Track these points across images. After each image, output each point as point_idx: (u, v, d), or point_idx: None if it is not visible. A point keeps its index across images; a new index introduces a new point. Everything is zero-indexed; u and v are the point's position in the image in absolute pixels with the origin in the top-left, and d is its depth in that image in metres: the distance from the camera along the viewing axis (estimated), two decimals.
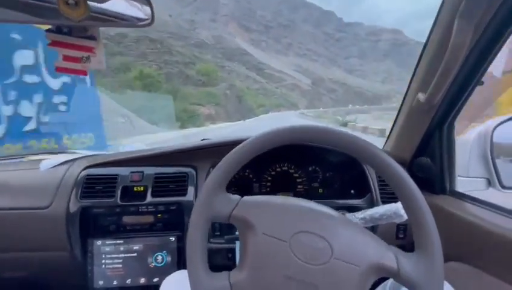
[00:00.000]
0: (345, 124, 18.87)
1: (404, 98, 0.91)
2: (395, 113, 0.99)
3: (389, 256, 0.41)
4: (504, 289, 0.57)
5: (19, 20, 0.59)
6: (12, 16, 0.53)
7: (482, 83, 0.70)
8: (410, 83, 0.86)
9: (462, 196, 0.79)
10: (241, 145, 0.46)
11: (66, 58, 0.57)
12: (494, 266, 0.61)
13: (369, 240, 0.43)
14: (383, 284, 0.59)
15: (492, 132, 0.81)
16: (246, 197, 0.46)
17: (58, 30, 0.55)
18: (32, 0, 0.50)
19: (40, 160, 0.95)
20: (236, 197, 0.46)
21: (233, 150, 0.46)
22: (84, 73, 0.60)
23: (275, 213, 0.44)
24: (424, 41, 0.78)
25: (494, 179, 0.80)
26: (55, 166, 0.92)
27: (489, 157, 0.81)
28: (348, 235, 0.42)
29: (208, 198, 0.44)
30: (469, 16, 0.56)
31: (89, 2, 0.48)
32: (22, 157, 1.10)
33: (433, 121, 0.80)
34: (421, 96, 0.76)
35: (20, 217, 0.84)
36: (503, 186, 0.79)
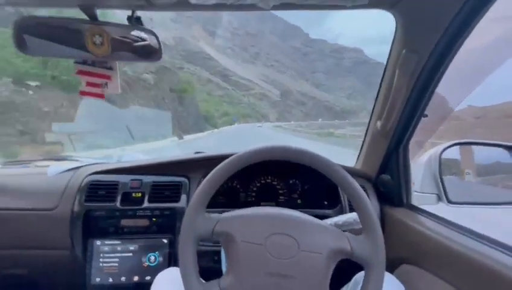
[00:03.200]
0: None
1: (369, 123, 1.09)
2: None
3: (343, 241, 0.54)
4: (442, 286, 0.74)
5: (54, 55, 0.72)
6: (49, 52, 0.68)
7: (426, 116, 0.91)
8: (372, 111, 1.05)
9: (416, 209, 0.98)
10: (213, 171, 0.57)
11: (89, 84, 0.71)
12: (436, 268, 0.78)
13: (326, 230, 0.56)
14: (353, 280, 0.73)
15: (440, 154, 1.02)
16: (224, 214, 0.57)
17: (84, 62, 0.70)
18: (67, 39, 0.65)
19: (47, 166, 1.09)
20: (215, 215, 0.56)
21: (208, 175, 0.57)
22: (102, 96, 0.73)
23: (250, 223, 0.55)
24: (380, 61, 0.97)
25: (442, 195, 1.00)
26: (62, 172, 1.05)
27: (438, 176, 1.01)
28: (309, 230, 0.55)
29: (191, 221, 0.54)
30: (405, 66, 0.78)
31: (111, 43, 0.63)
32: (29, 163, 1.22)
33: (391, 144, 0.99)
34: (378, 124, 0.97)
35: (28, 217, 0.96)
36: (450, 202, 0.99)
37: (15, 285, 1.16)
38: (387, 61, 0.89)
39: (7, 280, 1.08)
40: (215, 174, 0.57)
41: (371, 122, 1.07)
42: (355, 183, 0.57)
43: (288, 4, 0.69)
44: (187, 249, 0.53)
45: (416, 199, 1.02)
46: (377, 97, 1.00)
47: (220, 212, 0.57)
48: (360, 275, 0.71)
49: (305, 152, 0.57)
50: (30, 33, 0.64)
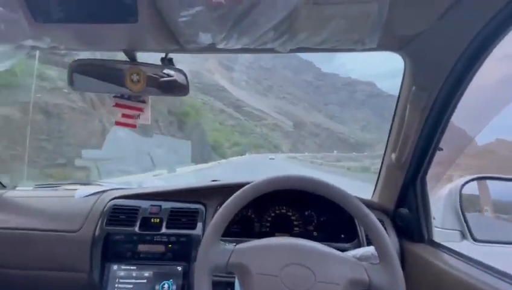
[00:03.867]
0: None
1: (384, 155, 1.11)
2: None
3: (361, 271, 0.55)
4: None
5: (97, 91, 0.85)
6: (93, 88, 0.79)
7: (441, 149, 0.92)
8: (387, 142, 1.07)
9: (438, 246, 0.95)
10: (227, 202, 0.59)
11: (124, 115, 0.81)
12: None
13: (343, 261, 0.56)
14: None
15: (461, 189, 1.01)
16: (238, 246, 0.58)
17: (121, 96, 0.80)
18: (109, 77, 0.76)
19: (75, 189, 1.17)
20: (230, 247, 0.58)
21: (223, 205, 0.59)
22: (135, 126, 0.83)
23: (264, 254, 0.56)
24: (393, 94, 1.02)
25: (466, 232, 0.97)
26: (88, 195, 1.13)
27: (460, 212, 0.99)
28: (325, 260, 0.55)
29: (206, 252, 0.56)
30: (416, 102, 0.82)
31: (146, 80, 0.75)
32: (59, 186, 1.31)
33: (407, 176, 0.99)
34: (393, 156, 0.98)
35: (52, 238, 1.02)
36: (475, 239, 0.95)
37: None
38: (399, 97, 0.94)
39: None
40: (230, 204, 0.59)
41: (386, 155, 1.08)
42: (371, 214, 0.58)
43: (303, 48, 0.77)
44: (202, 280, 0.54)
45: (437, 235, 0.98)
46: (390, 130, 1.04)
47: (234, 242, 0.59)
48: None
49: (320, 182, 0.60)
50: (79, 72, 0.76)
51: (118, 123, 0.81)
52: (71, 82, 0.75)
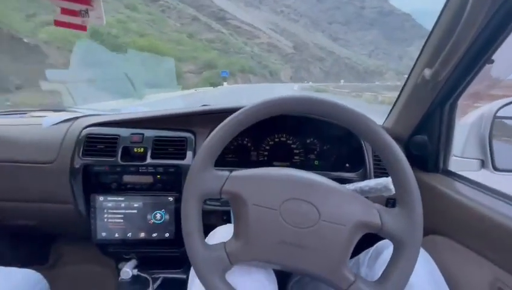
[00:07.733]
0: None
1: (409, 74, 1.00)
2: None
3: (373, 213, 0.51)
4: (479, 262, 0.73)
5: None
6: None
7: (492, 62, 0.79)
8: (418, 58, 0.94)
9: (453, 175, 0.95)
10: (226, 121, 0.54)
11: (64, 11, 0.64)
12: (472, 239, 0.77)
13: (353, 200, 0.53)
14: (375, 247, 0.71)
15: (495, 113, 0.94)
16: (234, 172, 0.54)
17: None
18: None
19: (42, 116, 1.11)
20: (225, 173, 0.54)
21: (219, 126, 0.54)
22: (84, 29, 0.66)
23: (263, 184, 0.53)
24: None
25: (488, 161, 0.94)
26: (57, 123, 1.07)
27: (487, 139, 0.95)
28: (333, 198, 0.52)
29: (197, 177, 0.52)
30: None
31: None
32: (24, 113, 1.24)
33: (436, 98, 0.91)
34: (427, 72, 0.85)
35: (26, 170, 1.00)
36: (496, 169, 0.94)
37: (28, 235, 1.29)
38: None
39: (18, 229, 1.18)
40: (225, 127, 0.54)
41: (413, 73, 0.97)
42: (393, 142, 0.52)
43: None
44: (191, 207, 0.51)
45: (454, 164, 0.97)
46: (426, 41, 0.89)
47: (230, 171, 0.55)
48: (383, 243, 0.70)
49: (330, 103, 0.53)
50: None
51: (57, 23, 0.63)
52: None
